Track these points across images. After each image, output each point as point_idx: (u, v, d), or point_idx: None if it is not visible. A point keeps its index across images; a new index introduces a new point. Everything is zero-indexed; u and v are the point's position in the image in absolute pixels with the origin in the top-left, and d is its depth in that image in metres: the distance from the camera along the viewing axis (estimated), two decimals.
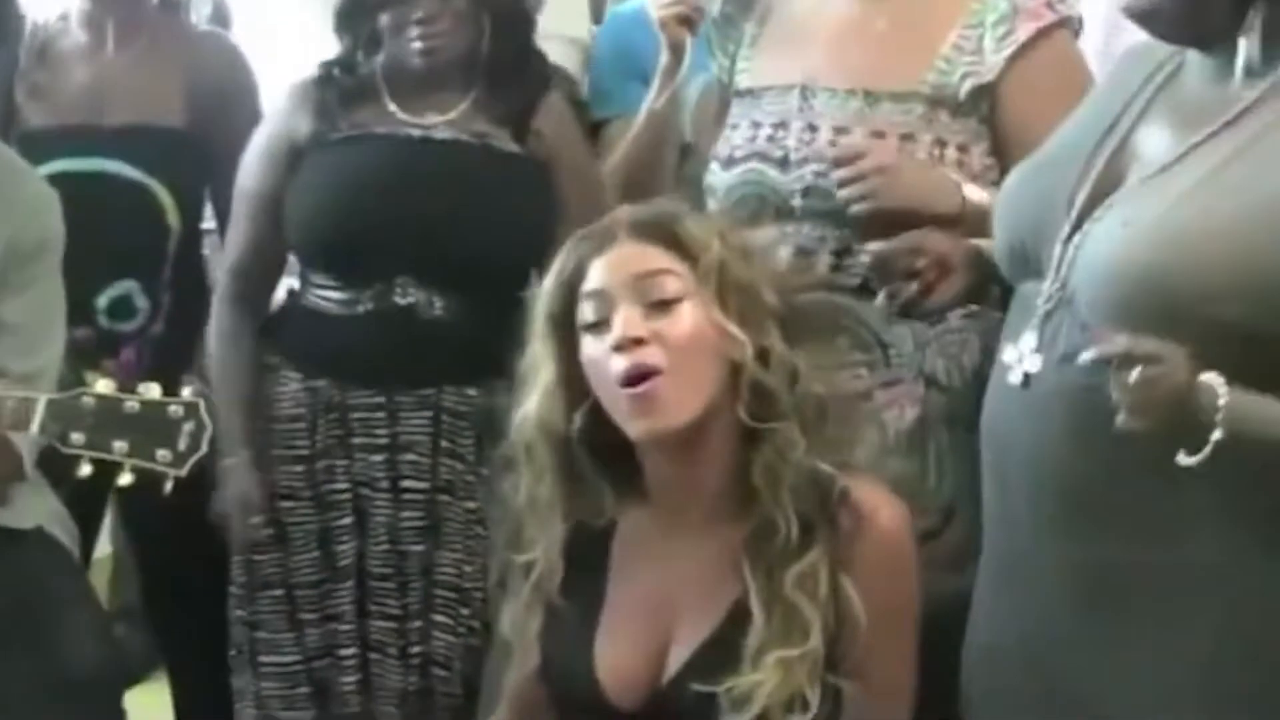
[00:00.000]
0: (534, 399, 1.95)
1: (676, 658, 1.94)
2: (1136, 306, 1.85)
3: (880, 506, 1.93)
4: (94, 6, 2.89)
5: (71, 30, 2.93)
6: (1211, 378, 1.77)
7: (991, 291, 2.22)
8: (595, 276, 1.91)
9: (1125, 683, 2.02)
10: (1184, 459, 1.79)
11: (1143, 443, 1.82)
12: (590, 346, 1.89)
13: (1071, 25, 2.41)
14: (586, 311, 1.90)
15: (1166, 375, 1.77)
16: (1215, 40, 1.90)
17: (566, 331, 1.93)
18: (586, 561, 2.00)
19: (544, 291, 1.97)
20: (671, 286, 1.88)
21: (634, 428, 1.88)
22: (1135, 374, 1.76)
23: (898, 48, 2.38)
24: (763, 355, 1.90)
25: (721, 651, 1.90)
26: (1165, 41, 1.99)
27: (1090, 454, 1.96)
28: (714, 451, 1.93)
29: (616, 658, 1.97)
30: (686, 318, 1.87)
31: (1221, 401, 1.77)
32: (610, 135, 2.84)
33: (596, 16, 3.16)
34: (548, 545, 1.99)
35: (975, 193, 2.29)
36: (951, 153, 2.34)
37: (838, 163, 2.31)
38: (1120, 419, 1.79)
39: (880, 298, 2.22)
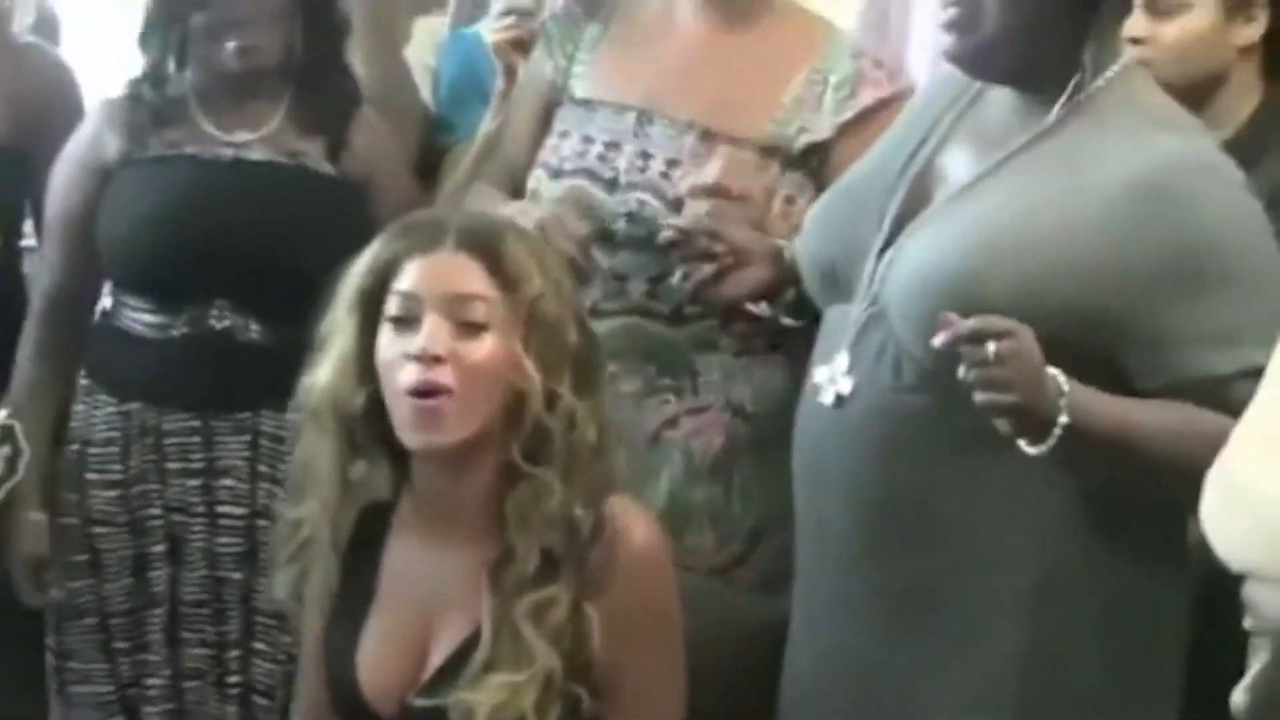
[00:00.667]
0: (326, 367, 1.97)
1: (430, 665, 1.97)
2: (944, 305, 1.89)
3: (632, 528, 1.97)
4: None
5: None
6: (1052, 369, 1.85)
7: (786, 293, 2.27)
8: (411, 276, 1.92)
9: (937, 701, 2.06)
10: (1029, 448, 1.86)
11: (982, 440, 1.87)
12: (388, 341, 1.91)
13: (907, 97, 2.43)
14: (393, 306, 1.92)
15: (1023, 348, 1.83)
16: (1036, 82, 1.98)
17: (371, 311, 1.94)
18: (363, 548, 2.03)
19: (359, 266, 1.98)
20: (481, 312, 1.90)
21: (411, 438, 1.92)
22: (991, 348, 1.81)
23: (741, 88, 2.40)
24: (550, 401, 1.93)
25: (457, 668, 1.94)
26: (985, 82, 2.05)
27: (905, 472, 2.03)
28: (478, 472, 1.96)
29: (376, 662, 2.00)
30: (487, 346, 1.90)
31: (1065, 388, 1.84)
32: (454, 158, 2.81)
33: None
34: (318, 506, 2.00)
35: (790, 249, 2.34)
36: (778, 203, 2.37)
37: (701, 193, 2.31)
38: (979, 398, 1.84)
39: (676, 277, 2.28)
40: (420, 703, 1.96)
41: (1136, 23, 2.40)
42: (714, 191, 2.35)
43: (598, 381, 2.04)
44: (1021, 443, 1.88)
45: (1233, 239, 1.99)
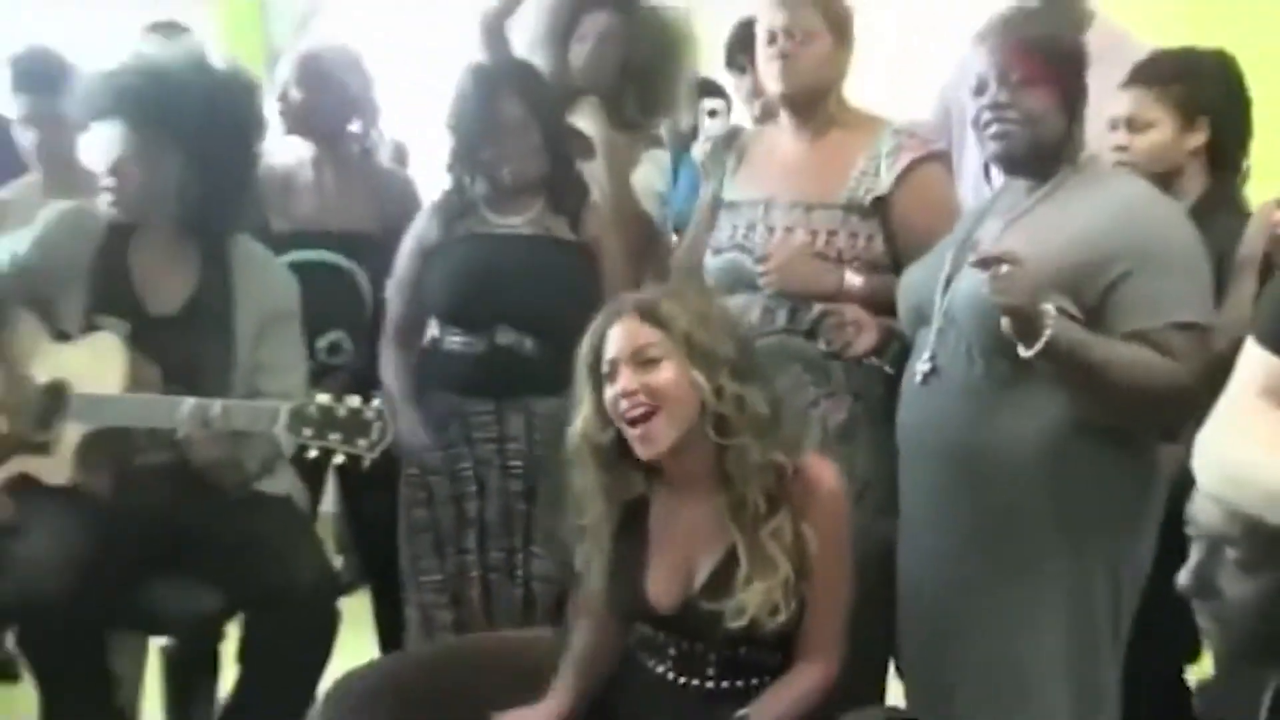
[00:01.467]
0: (578, 421, 2.43)
1: (696, 581, 2.41)
2: (990, 313, 2.43)
3: (824, 473, 2.43)
4: (318, 155, 3.52)
5: (304, 169, 3.54)
6: (1047, 304, 2.32)
7: (892, 349, 2.81)
8: (610, 344, 2.40)
9: (996, 605, 2.56)
10: (1024, 351, 2.33)
11: (1028, 398, 2.36)
12: (608, 391, 2.38)
13: (940, 157, 2.99)
14: (605, 368, 2.40)
15: (1023, 271, 2.31)
16: (1044, 172, 2.57)
17: (597, 375, 2.41)
18: (631, 524, 2.48)
19: (582, 348, 2.44)
20: (655, 351, 2.37)
21: (640, 451, 2.38)
22: (1004, 267, 2.30)
23: (823, 171, 2.95)
24: (718, 392, 2.35)
25: (723, 581, 2.37)
26: (1014, 174, 2.62)
27: (970, 423, 2.54)
28: (699, 453, 2.39)
29: (657, 581, 2.44)
30: (666, 373, 2.36)
31: (1053, 313, 2.32)
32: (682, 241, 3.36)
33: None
34: (594, 514, 2.46)
35: (852, 278, 2.86)
36: (861, 242, 2.91)
37: (758, 261, 2.87)
38: (994, 299, 2.30)
39: (821, 343, 2.86)
40: (704, 605, 2.37)
41: (1118, 136, 2.89)
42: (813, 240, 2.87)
43: (756, 373, 2.42)
44: (1020, 346, 2.33)
45: (1165, 240, 2.49)
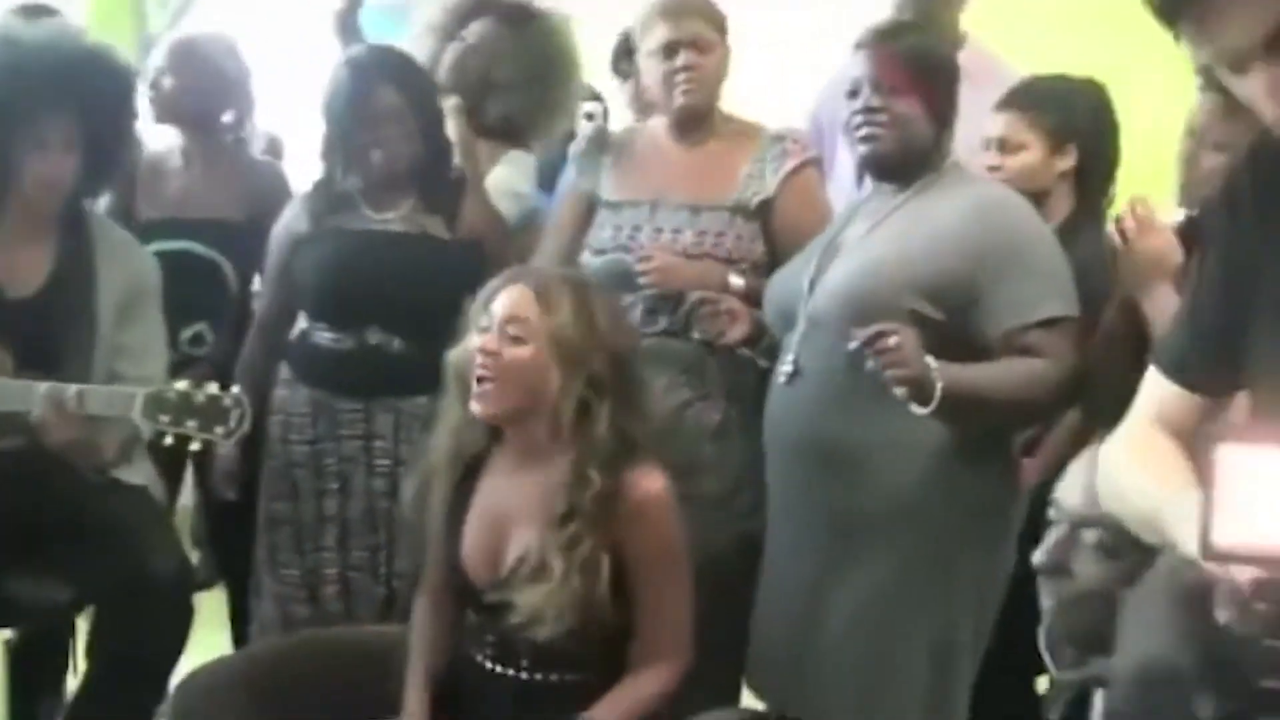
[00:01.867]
0: (455, 351, 2.47)
1: (506, 562, 2.43)
2: (857, 309, 2.51)
3: (648, 488, 2.41)
4: (188, 143, 3.49)
5: (173, 157, 3.50)
6: (929, 357, 2.38)
7: (763, 341, 2.84)
8: (495, 301, 2.43)
9: (855, 604, 2.60)
10: (919, 410, 2.38)
11: (889, 398, 2.36)
12: (474, 339, 2.42)
13: (817, 162, 3.07)
14: (483, 320, 2.43)
15: (907, 338, 2.37)
16: (911, 177, 2.63)
17: (480, 320, 2.43)
18: (465, 480, 2.50)
19: (482, 291, 2.46)
20: (520, 329, 2.39)
21: (473, 405, 2.43)
22: (893, 340, 2.35)
23: (710, 175, 3.00)
24: (564, 393, 2.38)
25: (516, 572, 2.40)
26: (881, 180, 2.68)
27: (831, 421, 2.60)
28: (533, 437, 2.43)
29: (473, 547, 2.46)
30: (519, 354, 2.39)
31: (935, 366, 2.38)
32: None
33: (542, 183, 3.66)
34: (440, 450, 2.49)
35: (735, 279, 2.89)
36: (745, 244, 2.95)
37: (640, 261, 2.88)
38: (887, 375, 2.36)
39: (695, 331, 2.88)
40: (492, 596, 2.41)
41: (990, 156, 2.96)
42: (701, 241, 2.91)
43: (622, 393, 2.43)
44: (913, 406, 2.38)
45: (1032, 241, 2.57)
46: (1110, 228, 2.66)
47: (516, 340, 2.40)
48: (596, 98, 3.70)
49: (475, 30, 3.51)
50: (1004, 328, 2.51)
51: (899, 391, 2.39)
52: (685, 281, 2.90)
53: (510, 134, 3.50)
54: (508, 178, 3.43)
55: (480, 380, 2.41)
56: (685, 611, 2.46)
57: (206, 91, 3.53)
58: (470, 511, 2.50)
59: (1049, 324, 2.52)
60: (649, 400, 2.56)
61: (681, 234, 2.95)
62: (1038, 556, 2.48)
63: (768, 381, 2.80)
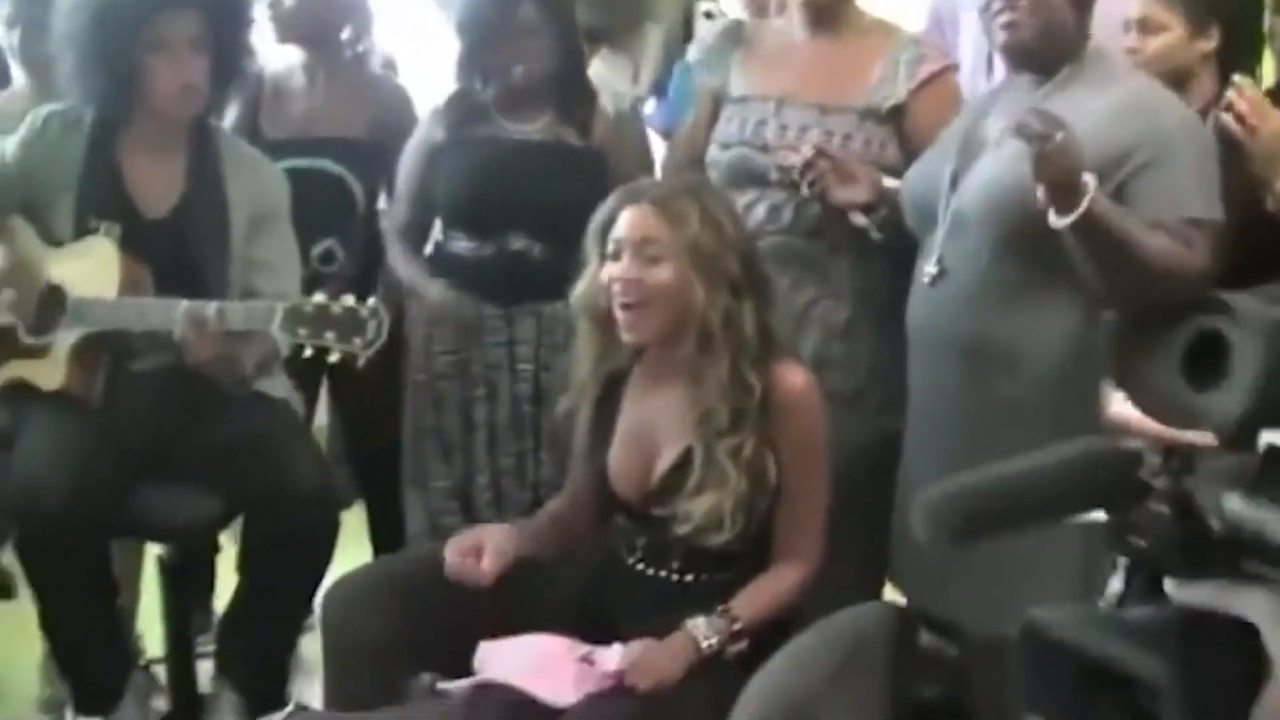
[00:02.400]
0: (582, 283, 2.49)
1: (655, 473, 2.46)
2: (1005, 207, 2.47)
3: (794, 385, 2.43)
4: (309, 61, 3.47)
5: (295, 75, 3.49)
6: (1087, 174, 2.29)
7: (881, 211, 2.78)
8: (619, 225, 2.43)
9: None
10: (1058, 220, 2.31)
11: (1039, 297, 2.37)
12: (608, 269, 2.44)
13: (954, 68, 3.01)
14: (610, 246, 2.44)
15: (1068, 137, 2.27)
16: (1052, 66, 2.58)
17: (603, 247, 2.45)
18: (610, 394, 2.54)
19: (594, 218, 2.48)
20: (658, 249, 2.39)
21: (624, 334, 2.45)
22: (1057, 135, 2.25)
23: (840, 74, 2.94)
24: (710, 304, 2.38)
25: (675, 481, 2.43)
26: (1021, 70, 2.63)
27: (977, 319, 2.57)
28: (682, 348, 2.43)
29: (620, 462, 2.52)
30: (663, 272, 2.39)
31: (1092, 183, 2.30)
32: (675, 142, 3.36)
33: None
34: (581, 374, 2.53)
35: (889, 181, 2.83)
36: (874, 148, 2.90)
37: (782, 148, 2.83)
38: (1038, 165, 2.27)
39: (804, 185, 2.78)
40: (654, 509, 2.44)
41: (1130, 38, 2.90)
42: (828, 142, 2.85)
43: (758, 290, 2.45)
44: (1052, 215, 2.32)
45: (1180, 133, 2.52)
46: (1223, 117, 2.60)
47: (653, 260, 2.40)
48: None
49: None
50: (1153, 216, 2.47)
51: (1042, 191, 2.33)
52: (844, 178, 2.83)
53: (598, 37, 3.51)
54: (603, 75, 3.46)
55: (626, 308, 2.41)
56: (823, 509, 2.48)
57: (325, 8, 3.51)
58: (616, 426, 2.52)
59: (1195, 223, 2.47)
60: (778, 295, 2.57)
61: (808, 133, 2.90)
62: None
63: (896, 280, 2.76)
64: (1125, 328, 1.80)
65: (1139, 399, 1.74)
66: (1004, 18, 2.57)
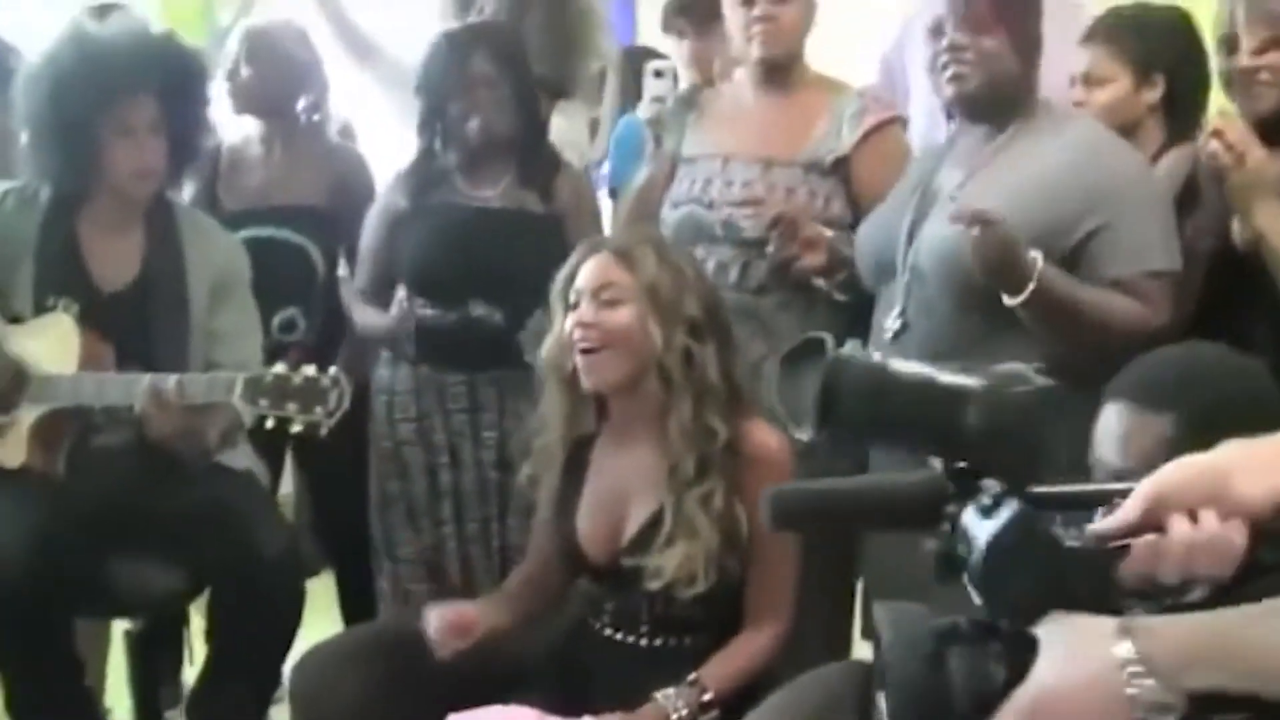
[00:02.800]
0: (546, 344, 2.49)
1: (625, 534, 2.45)
2: (962, 262, 2.43)
3: (765, 442, 2.42)
4: (266, 131, 3.49)
5: (252, 146, 3.51)
6: (1033, 251, 2.33)
7: (838, 275, 2.78)
8: (579, 276, 2.45)
9: None
10: (1010, 300, 2.35)
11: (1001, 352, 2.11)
12: (569, 320, 2.44)
13: (901, 120, 3.01)
14: (571, 298, 2.45)
15: (1003, 227, 2.32)
16: (993, 119, 2.60)
17: (565, 302, 2.46)
18: (577, 457, 2.53)
19: (559, 275, 2.49)
20: (615, 293, 2.41)
21: (584, 380, 2.44)
22: (990, 216, 2.30)
23: (784, 130, 2.95)
24: (668, 344, 2.39)
25: (646, 539, 2.41)
26: (971, 121, 2.63)
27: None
28: (646, 402, 2.43)
29: (588, 526, 2.50)
30: (621, 315, 2.40)
31: (1039, 261, 2.35)
32: (623, 198, 3.31)
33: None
34: (548, 438, 2.51)
35: (843, 241, 2.82)
36: (820, 202, 2.90)
37: (747, 203, 2.83)
38: (978, 253, 2.31)
39: (769, 247, 2.78)
40: (625, 562, 2.41)
41: (1076, 92, 2.91)
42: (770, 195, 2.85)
43: (718, 337, 2.45)
44: (1005, 296, 2.35)
45: (1135, 186, 2.52)
46: (1211, 145, 2.58)
47: (611, 304, 2.41)
48: (664, 57, 3.68)
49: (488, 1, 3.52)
50: (1112, 274, 2.48)
51: (988, 276, 2.35)
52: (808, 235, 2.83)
53: (556, 89, 3.51)
54: (563, 131, 3.45)
55: (586, 353, 2.41)
56: (794, 570, 2.46)
57: (282, 79, 3.53)
58: (584, 489, 2.52)
59: (1154, 275, 2.49)
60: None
61: (751, 187, 2.90)
62: None
63: (841, 333, 2.67)
64: None
65: None
66: (950, 70, 2.58)
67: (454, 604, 2.54)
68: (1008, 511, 1.33)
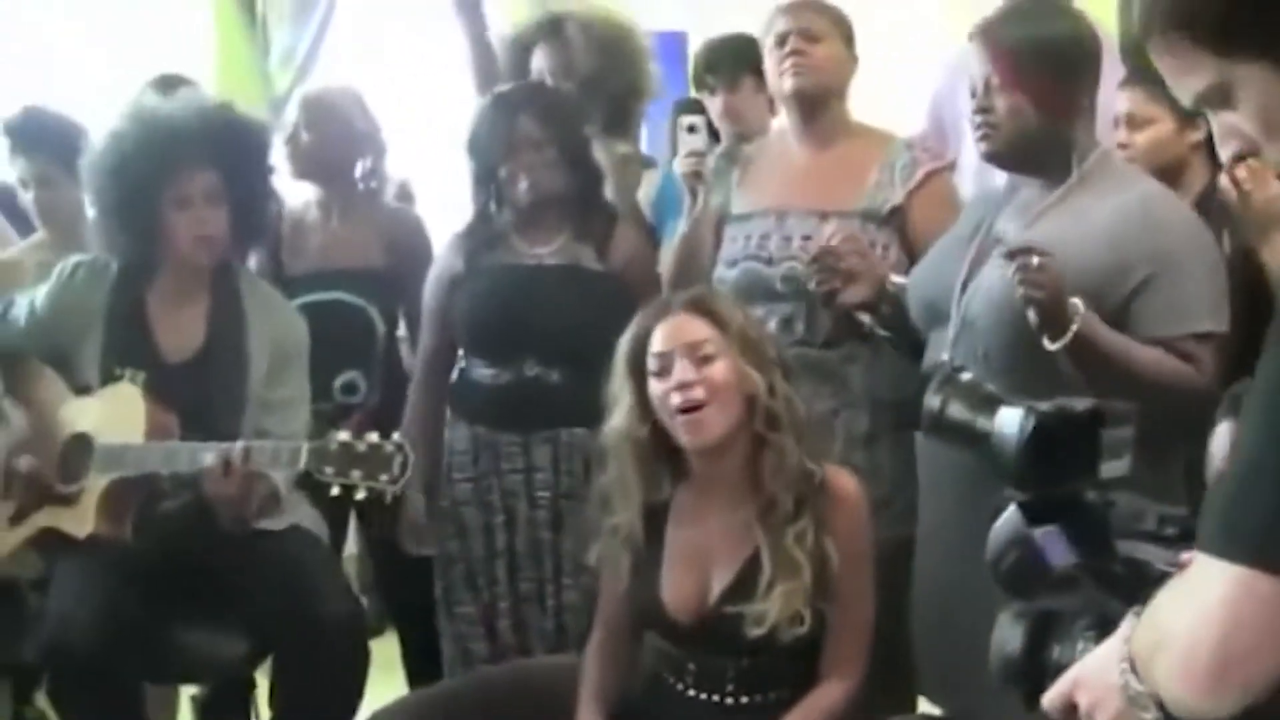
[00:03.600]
0: (618, 416, 2.48)
1: (715, 590, 2.43)
2: (1013, 312, 2.39)
3: (846, 485, 2.46)
4: (325, 196, 3.53)
5: (311, 210, 3.55)
6: (1075, 298, 2.31)
7: (882, 309, 2.75)
8: (659, 339, 2.42)
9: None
10: (1050, 344, 2.31)
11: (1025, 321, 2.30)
12: (655, 386, 2.42)
13: (950, 167, 3.02)
14: (653, 364, 2.42)
15: (1054, 265, 2.30)
16: (1043, 169, 2.57)
17: (638, 373, 2.45)
18: (653, 525, 2.51)
19: (622, 345, 2.47)
20: (710, 348, 2.41)
21: (686, 442, 2.42)
22: (1035, 259, 2.29)
23: (837, 181, 2.97)
24: (771, 390, 2.41)
25: (744, 586, 2.39)
26: (1005, 170, 2.63)
27: None
28: (737, 452, 2.43)
29: (674, 588, 2.47)
30: (720, 368, 2.41)
31: (1082, 308, 2.32)
32: (665, 252, 3.30)
33: None
34: (628, 510, 2.49)
35: (891, 276, 2.81)
36: (878, 251, 2.90)
37: (816, 259, 2.77)
38: (1019, 292, 2.30)
39: (812, 283, 2.76)
40: (725, 610, 2.39)
41: (1119, 134, 2.89)
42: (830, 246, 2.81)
43: (794, 378, 2.50)
44: (1045, 339, 2.32)
45: (1186, 247, 2.49)
46: (1223, 182, 2.60)
47: (707, 360, 2.41)
48: (699, 109, 3.66)
49: (539, 58, 3.54)
50: (1158, 333, 2.45)
51: (1031, 315, 2.33)
52: (856, 267, 2.81)
53: (612, 127, 3.50)
54: (645, 194, 3.48)
55: (689, 411, 2.39)
56: (871, 621, 2.46)
57: (340, 143, 3.56)
58: (665, 553, 2.51)
59: (1201, 338, 2.46)
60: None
61: (810, 241, 2.88)
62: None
63: (909, 386, 2.63)
64: None
65: None
66: (978, 132, 2.58)
67: None
68: None
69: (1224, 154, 1.43)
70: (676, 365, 2.40)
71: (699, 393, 2.38)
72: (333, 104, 3.60)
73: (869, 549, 2.45)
